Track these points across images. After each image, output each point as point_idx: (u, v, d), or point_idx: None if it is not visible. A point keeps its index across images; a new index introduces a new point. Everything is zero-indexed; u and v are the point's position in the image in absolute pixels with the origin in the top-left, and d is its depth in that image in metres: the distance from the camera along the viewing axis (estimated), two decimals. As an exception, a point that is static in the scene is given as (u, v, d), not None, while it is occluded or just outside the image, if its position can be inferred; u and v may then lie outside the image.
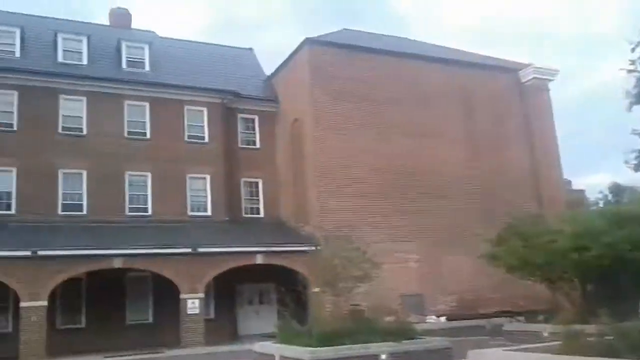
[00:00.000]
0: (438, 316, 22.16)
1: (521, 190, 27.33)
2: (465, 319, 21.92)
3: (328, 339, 13.67)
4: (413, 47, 29.78)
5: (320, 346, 13.41)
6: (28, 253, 19.14)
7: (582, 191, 42.15)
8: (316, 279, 18.59)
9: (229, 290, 24.44)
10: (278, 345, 14.93)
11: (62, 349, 19.84)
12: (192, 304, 20.89)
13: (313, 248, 21.57)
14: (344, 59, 25.96)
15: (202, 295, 21.33)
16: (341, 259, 16.32)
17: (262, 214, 26.94)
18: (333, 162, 24.61)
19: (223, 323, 23.81)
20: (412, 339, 14.55)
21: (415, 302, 23.18)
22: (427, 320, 21.17)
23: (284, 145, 27.46)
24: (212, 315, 23.52)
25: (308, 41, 25.83)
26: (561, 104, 72.31)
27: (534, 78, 29.46)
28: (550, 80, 30.20)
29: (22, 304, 18.86)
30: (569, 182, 33.60)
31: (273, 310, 22.11)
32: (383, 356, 13.69)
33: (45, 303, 19.09)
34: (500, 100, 28.80)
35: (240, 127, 27.72)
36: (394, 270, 23.54)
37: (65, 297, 21.67)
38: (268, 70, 30.30)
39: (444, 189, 26.06)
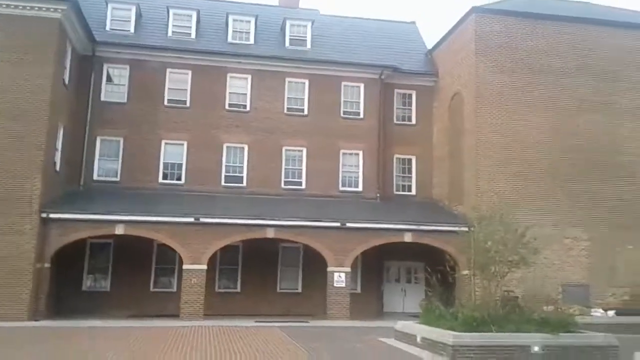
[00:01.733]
0: (605, 310, 19.62)
1: None
2: (639, 315, 19.11)
3: (474, 324, 12.90)
4: (594, 11, 26.45)
5: (465, 331, 12.69)
6: (191, 220, 20.69)
7: None
8: (466, 261, 17.55)
9: (377, 266, 24.29)
10: (420, 325, 14.40)
11: (219, 311, 21.31)
12: (339, 277, 21.04)
13: (465, 229, 20.39)
14: (513, 28, 23.99)
15: (348, 269, 21.40)
16: (495, 242, 15.14)
17: (413, 192, 26.18)
18: (494, 140, 22.96)
19: (369, 298, 23.76)
20: (572, 332, 13.03)
21: (579, 292, 20.88)
22: (592, 314, 18.82)
23: (441, 121, 26.28)
24: (358, 289, 23.60)
25: (475, 10, 24.26)
26: None
27: None
28: None
29: (185, 267, 20.54)
30: None
31: (420, 290, 21.49)
32: (535, 348, 12.48)
33: (204, 267, 20.58)
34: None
35: (396, 103, 27.12)
36: (557, 257, 21.58)
37: (224, 262, 23.19)
38: (431, 43, 29.17)
39: (626, 169, 23.07)
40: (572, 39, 24.17)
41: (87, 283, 22.77)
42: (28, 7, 20.22)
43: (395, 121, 26.85)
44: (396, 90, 27.11)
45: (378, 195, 25.20)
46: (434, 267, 16.11)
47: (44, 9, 20.28)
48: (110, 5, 25.74)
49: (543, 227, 21.40)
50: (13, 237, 18.85)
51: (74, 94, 23.27)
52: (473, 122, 23.40)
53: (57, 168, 21.47)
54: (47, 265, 19.59)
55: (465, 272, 18.44)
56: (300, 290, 23.87)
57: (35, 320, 18.43)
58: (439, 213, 23.92)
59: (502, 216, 15.55)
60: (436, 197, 25.78)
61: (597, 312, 19.38)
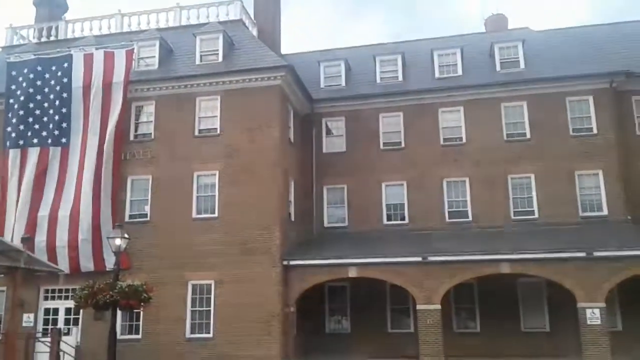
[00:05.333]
0: None
1: None
2: None
3: None
4: None
5: None
6: (419, 259, 20.41)
7: None
8: None
9: (638, 299, 20.82)
10: None
11: (459, 352, 20.34)
12: (592, 314, 18.56)
13: None
14: None
15: (602, 304, 18.77)
16: None
17: (676, 210, 22.27)
18: None
19: (636, 337, 20.33)
20: None
21: None
22: None
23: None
24: (619, 327, 20.49)
25: None
26: None
27: None
28: None
29: (419, 307, 20.21)
30: None
31: None
32: None
33: (438, 307, 19.94)
34: None
35: (636, 111, 23.85)
36: None
37: (459, 301, 22.32)
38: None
39: None
40: None
41: (329, 325, 23.76)
42: (253, 79, 22.67)
43: (637, 132, 23.56)
44: (634, 97, 23.90)
45: (629, 217, 21.99)
46: None
47: (265, 78, 22.54)
48: (322, 65, 27.61)
49: None
50: (262, 284, 20.57)
51: (300, 150, 25.17)
52: None
53: (292, 218, 23.19)
54: (292, 309, 20.95)
55: None
56: (547, 328, 21.64)
57: (287, 360, 19.68)
58: None
59: None
60: None
61: None
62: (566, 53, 25.61)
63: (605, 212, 22.44)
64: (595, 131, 23.41)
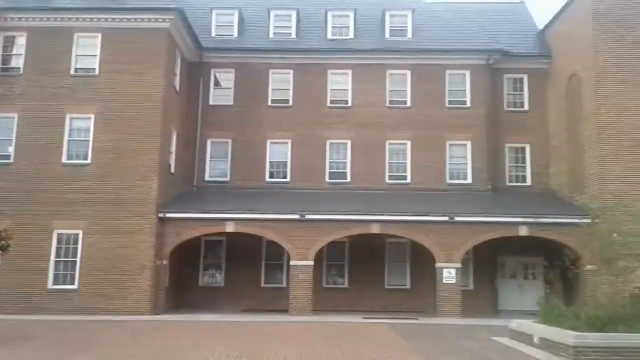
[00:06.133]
0: None
1: None
2: None
3: (599, 324, 11.85)
4: None
5: (589, 331, 11.62)
6: (297, 216, 20.91)
7: None
8: (590, 256, 16.20)
9: (490, 261, 23.05)
10: (538, 325, 13.47)
11: (327, 306, 21.39)
12: (449, 274, 20.25)
13: (588, 220, 18.77)
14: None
15: (459, 265, 20.53)
16: (622, 234, 13.85)
17: (528, 182, 24.53)
18: (621, 122, 21.01)
19: (482, 295, 22.64)
20: None
21: None
22: None
23: (558, 105, 24.39)
24: (470, 286, 22.60)
25: (591, -19, 22.23)
26: None
27: None
28: None
29: (292, 263, 20.82)
30: None
31: (538, 287, 20.17)
32: (670, 350, 11.07)
33: (311, 263, 20.70)
34: None
35: (506, 89, 25.63)
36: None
37: (331, 258, 23.26)
38: (543, 23, 27.25)
39: None
40: None
41: (203, 279, 23.85)
42: (139, 19, 21.50)
43: (505, 108, 25.38)
44: (506, 75, 25.61)
45: (489, 187, 23.94)
46: (553, 263, 15.03)
47: (152, 19, 21.47)
48: (214, 12, 26.74)
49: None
50: (134, 236, 20.13)
51: (185, 100, 24.46)
52: (594, 104, 21.49)
53: (172, 170, 22.69)
54: (165, 262, 20.74)
55: (589, 267, 17.00)
56: (408, 286, 23.29)
57: (156, 314, 19.56)
58: (558, 204, 22.23)
59: (630, 205, 14.18)
60: (554, 187, 23.99)
61: None
62: (450, 27, 26.77)
63: (469, 180, 24.22)
64: (468, 104, 24.91)
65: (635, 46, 21.37)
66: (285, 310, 20.42)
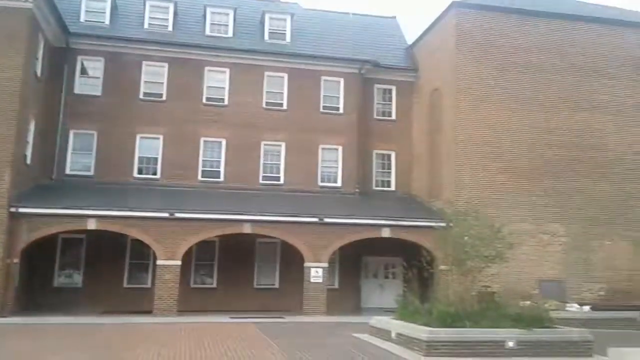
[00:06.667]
0: (581, 305, 19.68)
1: None
2: (614, 310, 19.22)
3: (449, 320, 12.84)
4: (579, 8, 26.38)
5: (440, 326, 12.55)
6: (166, 215, 20.31)
7: None
8: (443, 257, 17.46)
9: (355, 261, 24.13)
10: (395, 321, 14.27)
11: (194, 307, 20.96)
12: (316, 273, 20.84)
13: (443, 224, 20.24)
14: (495, 24, 23.99)
15: (326, 264, 21.22)
16: (472, 237, 15.07)
17: (393, 187, 26.10)
18: (474, 135, 22.93)
19: (347, 294, 23.64)
20: (547, 327, 12.98)
21: (555, 288, 20.97)
22: (567, 309, 18.84)
23: (421, 117, 26.17)
24: (336, 285, 23.52)
25: (455, 4, 24.09)
26: None
27: None
28: None
29: (159, 262, 20.18)
30: None
31: (398, 285, 21.41)
32: (510, 343, 12.43)
33: (179, 262, 20.21)
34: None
35: (376, 98, 26.97)
36: (534, 253, 21.63)
37: (199, 258, 22.87)
38: (412, 39, 29.00)
39: (607, 167, 23.43)
40: (554, 36, 24.20)
41: (59, 279, 22.26)
42: (-2, -4, 19.67)
43: (375, 116, 26.70)
44: (376, 86, 26.94)
45: (357, 190, 25.02)
46: (411, 263, 16.00)
47: (14, -2, 19.74)
48: (84, -4, 25.18)
49: (521, 223, 21.51)
50: (-19, 232, 18.32)
51: (47, 87, 22.72)
52: (452, 118, 23.32)
53: (28, 161, 20.95)
54: (15, 260, 19.04)
55: (442, 267, 18.35)
56: (277, 285, 23.60)
57: (2, 317, 17.91)
58: (417, 208, 23.82)
59: (479, 211, 15.50)
60: (415, 192, 25.69)
61: (573, 307, 19.41)
62: (327, 35, 27.67)
63: (339, 184, 25.15)
64: (341, 111, 25.86)
65: (492, 67, 23.50)
66: (149, 312, 19.70)
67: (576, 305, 19.63)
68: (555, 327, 13.26)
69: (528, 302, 14.52)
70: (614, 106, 24.08)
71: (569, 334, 13.01)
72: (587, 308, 19.47)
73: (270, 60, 25.64)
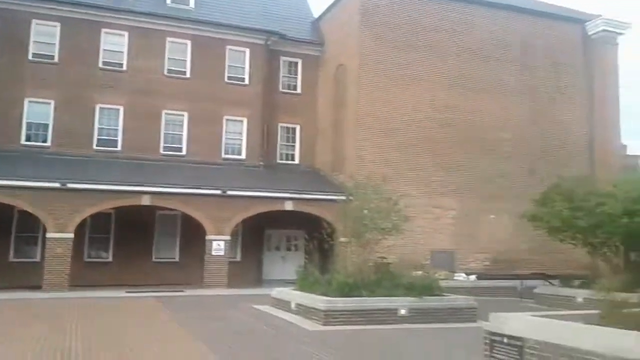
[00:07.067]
0: (468, 274, 21.13)
1: (574, 151, 25.84)
2: (497, 279, 20.87)
3: (347, 290, 13.26)
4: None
5: (338, 296, 12.96)
6: (57, 185, 19.18)
7: (638, 156, 38.95)
8: (343, 229, 17.94)
9: (258, 234, 24.19)
10: (295, 292, 14.54)
11: (88, 282, 20.06)
12: (218, 246, 20.67)
13: (343, 197, 20.77)
14: (400, 2, 24.35)
15: (228, 237, 21.07)
16: (370, 210, 15.59)
17: (297, 161, 26.30)
18: (376, 112, 23.46)
19: (249, 266, 23.69)
20: (436, 295, 13.82)
21: (446, 258, 22.28)
22: (455, 278, 20.18)
23: (326, 91, 26.40)
24: (238, 258, 23.47)
25: (361, -19, 24.23)
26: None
27: (602, 30, 26.93)
28: (620, 34, 27.57)
29: (49, 235, 19.08)
30: (625, 147, 31.16)
31: (300, 258, 21.69)
32: (402, 311, 13.12)
33: (71, 235, 19.22)
34: (561, 54, 26.61)
35: (282, 71, 26.83)
36: (428, 226, 22.73)
37: (94, 231, 21.90)
38: (318, 12, 29.01)
39: (493, 144, 24.76)
40: (453, 19, 24.95)
41: None
42: None
43: (280, 89, 26.60)
44: (282, 58, 26.78)
45: (261, 163, 24.96)
46: (313, 235, 16.31)
47: None
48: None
49: (417, 197, 22.47)
50: None
51: None
52: (355, 94, 23.72)
53: None
54: None
55: (342, 239, 18.88)
56: (177, 259, 23.16)
57: None
58: (320, 182, 24.20)
59: (377, 185, 16.04)
60: (319, 166, 26.05)
61: (460, 277, 20.75)
62: (233, 3, 27.00)
63: (243, 156, 24.95)
64: (247, 82, 25.51)
65: (394, 45, 24.02)
66: (38, 287, 18.65)
67: (463, 275, 21.00)
68: (444, 295, 14.15)
69: (420, 272, 15.29)
70: (499, 88, 25.29)
71: (455, 301, 13.94)
72: (473, 277, 20.90)
73: (172, 26, 24.69)
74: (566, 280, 18.23)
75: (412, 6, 24.54)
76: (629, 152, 38.51)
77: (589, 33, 27.20)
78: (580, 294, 15.02)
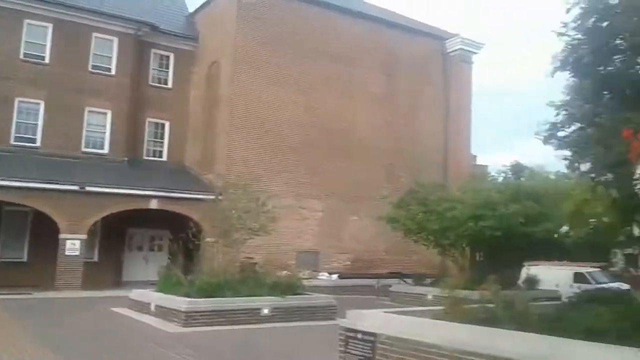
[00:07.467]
0: (330, 274, 21.90)
1: (429, 158, 27.47)
2: (357, 278, 21.85)
3: (210, 290, 13.06)
4: (351, 3, 28.36)
5: (201, 297, 12.71)
6: None
7: (485, 166, 42.98)
8: (210, 229, 17.71)
9: (119, 233, 22.94)
10: (156, 293, 14.06)
11: None
12: (72, 245, 19.35)
13: (212, 197, 20.50)
14: (273, 3, 24.47)
15: (84, 236, 19.82)
16: (239, 210, 15.56)
17: (165, 158, 25.38)
18: (248, 111, 23.42)
19: (107, 267, 22.36)
20: (299, 294, 14.12)
21: (310, 259, 22.94)
22: (319, 277, 20.81)
23: (200, 88, 25.84)
24: (95, 258, 22.03)
25: (236, -22, 24.01)
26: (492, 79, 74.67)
27: (459, 49, 29.24)
28: (474, 53, 30.11)
29: None
30: (475, 157, 34.27)
31: (163, 258, 20.95)
32: (265, 310, 13.22)
33: None
34: (422, 67, 28.38)
35: (153, 64, 25.78)
36: (294, 226, 23.14)
37: None
38: (193, 6, 28.32)
39: (356, 149, 25.70)
40: (323, 24, 25.54)
41: None
42: None
43: (150, 83, 25.54)
44: (153, 51, 25.75)
45: (126, 159, 23.73)
46: (178, 235, 15.89)
47: None
48: None
49: (285, 198, 22.72)
50: None
51: None
52: (228, 92, 23.49)
53: None
54: None
55: (209, 239, 18.60)
56: (25, 259, 21.26)
57: None
58: (188, 180, 23.60)
59: (247, 185, 16.06)
60: (188, 164, 25.39)
61: (323, 276, 21.41)
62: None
63: (106, 150, 23.59)
64: (113, 72, 24.16)
65: (267, 45, 24.06)
66: None
67: (326, 274, 21.68)
68: (306, 294, 14.50)
69: (285, 272, 15.53)
70: (364, 94, 26.23)
71: (316, 300, 14.35)
72: (335, 276, 21.65)
73: (32, 7, 22.72)
74: (419, 279, 19.55)
75: (286, 8, 24.79)
76: (478, 161, 42.41)
77: (447, 50, 29.38)
78: (431, 292, 16.13)
